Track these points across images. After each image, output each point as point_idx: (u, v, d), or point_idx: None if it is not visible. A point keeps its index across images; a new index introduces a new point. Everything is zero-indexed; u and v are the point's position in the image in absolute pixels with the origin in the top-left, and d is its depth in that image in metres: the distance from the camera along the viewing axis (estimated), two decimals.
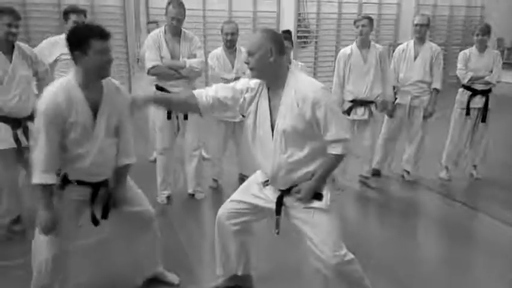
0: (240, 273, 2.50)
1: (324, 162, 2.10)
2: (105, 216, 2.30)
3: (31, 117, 3.10)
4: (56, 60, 3.54)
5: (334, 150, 2.06)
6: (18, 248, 3.07)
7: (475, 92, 4.40)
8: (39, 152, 2.04)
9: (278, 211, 2.20)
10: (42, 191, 2.10)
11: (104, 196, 2.28)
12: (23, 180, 3.33)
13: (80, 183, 2.20)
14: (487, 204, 3.97)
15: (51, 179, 2.08)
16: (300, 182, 2.13)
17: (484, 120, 4.43)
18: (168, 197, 3.88)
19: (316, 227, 2.11)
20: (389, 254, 3.05)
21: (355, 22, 4.11)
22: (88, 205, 2.27)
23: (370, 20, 4.07)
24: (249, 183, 2.36)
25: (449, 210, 3.96)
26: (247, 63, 2.07)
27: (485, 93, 4.39)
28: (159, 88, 3.68)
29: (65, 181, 2.18)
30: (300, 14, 10.78)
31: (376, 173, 4.57)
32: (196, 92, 2.23)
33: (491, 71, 4.33)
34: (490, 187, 4.41)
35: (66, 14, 3.54)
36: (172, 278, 2.67)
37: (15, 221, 3.29)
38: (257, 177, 2.33)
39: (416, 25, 4.27)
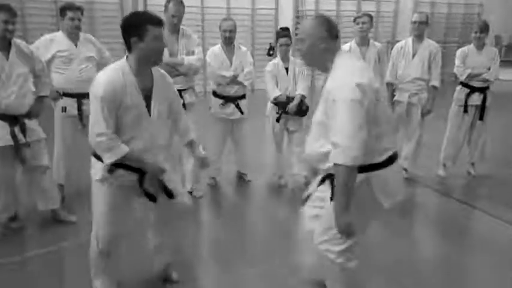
0: None
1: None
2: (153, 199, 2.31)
3: (28, 114, 3.09)
4: (52, 57, 3.52)
5: (333, 157, 1.84)
6: (15, 245, 3.07)
7: (472, 90, 4.40)
8: (103, 135, 2.07)
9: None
10: (121, 162, 2.14)
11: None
12: (20, 177, 3.32)
13: (129, 168, 2.20)
14: (485, 201, 3.98)
15: (120, 152, 2.11)
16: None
17: (481, 117, 4.44)
18: None
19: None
20: (386, 251, 3.05)
21: (355, 19, 4.11)
22: (135, 190, 2.28)
23: (370, 17, 4.07)
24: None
25: (446, 208, 3.97)
26: (298, 49, 2.05)
27: (483, 90, 4.39)
28: None
29: (115, 165, 2.18)
30: (298, 11, 10.76)
31: None
32: None
33: (489, 69, 4.33)
34: (488, 184, 4.42)
35: (62, 10, 3.53)
36: (173, 274, 2.68)
37: (12, 218, 3.28)
38: None
39: (414, 22, 4.26)
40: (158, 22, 2.09)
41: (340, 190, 1.86)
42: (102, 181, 2.23)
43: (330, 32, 1.96)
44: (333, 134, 1.84)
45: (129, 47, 2.10)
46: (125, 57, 2.16)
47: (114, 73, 2.09)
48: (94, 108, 2.08)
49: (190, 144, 2.49)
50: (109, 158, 2.11)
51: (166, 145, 2.32)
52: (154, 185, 2.26)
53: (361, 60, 3.99)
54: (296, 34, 10.50)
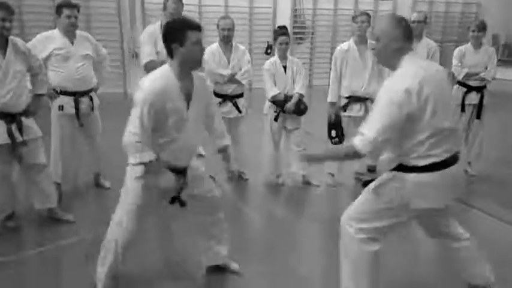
0: None
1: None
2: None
3: (25, 113, 3.08)
4: (49, 55, 3.51)
5: (355, 140, 1.99)
6: (12, 244, 3.05)
7: (470, 89, 4.41)
8: (134, 136, 2.14)
9: None
10: (145, 168, 2.19)
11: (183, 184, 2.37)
12: (16, 176, 3.31)
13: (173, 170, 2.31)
14: (481, 200, 3.98)
15: (149, 156, 2.17)
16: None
17: (479, 116, 4.45)
18: None
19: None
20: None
21: (353, 18, 4.10)
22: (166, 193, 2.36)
23: (369, 16, 4.08)
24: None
25: None
26: (373, 49, 2.14)
27: (480, 89, 4.40)
28: None
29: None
30: (296, 9, 10.75)
31: (371, 169, 4.57)
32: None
33: (487, 68, 4.34)
34: (485, 183, 4.43)
35: (59, 8, 3.51)
36: (234, 265, 2.71)
37: (9, 217, 3.26)
38: None
39: (413, 22, 4.25)
40: (197, 27, 2.18)
41: (334, 154, 2.32)
42: (139, 179, 2.28)
43: (404, 32, 2.03)
44: (364, 125, 1.98)
45: (171, 53, 2.19)
46: (168, 63, 2.24)
47: (158, 79, 2.17)
48: (135, 110, 2.15)
49: (224, 150, 2.56)
50: (134, 159, 2.17)
51: (198, 144, 2.47)
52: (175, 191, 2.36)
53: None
54: (293, 33, 10.50)
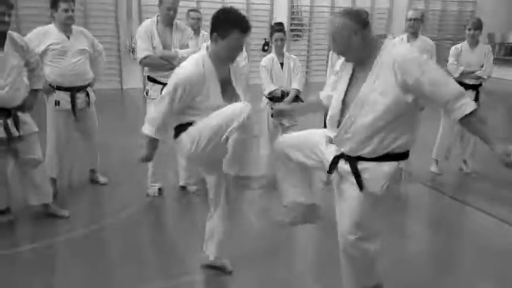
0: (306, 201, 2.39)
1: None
2: None
3: (21, 108, 3.06)
4: (45, 50, 3.48)
5: (465, 107, 1.84)
6: (6, 240, 3.05)
7: (465, 87, 4.41)
8: (158, 112, 2.25)
9: (331, 170, 2.09)
10: (150, 142, 2.35)
11: None
12: (12, 171, 3.30)
13: None
14: (477, 198, 4.01)
15: (158, 136, 2.31)
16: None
17: None
18: (160, 189, 3.86)
19: (344, 202, 2.08)
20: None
21: None
22: None
23: (366, 13, 4.07)
24: (317, 133, 2.25)
25: (438, 204, 4.00)
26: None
27: (476, 88, 4.42)
28: (150, 79, 3.65)
29: None
30: (293, 6, 10.75)
31: None
32: (322, 96, 2.32)
33: (482, 66, 4.36)
34: (480, 181, 4.45)
35: (55, 2, 3.47)
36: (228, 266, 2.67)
37: (4, 213, 3.25)
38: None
39: (410, 19, 4.26)
40: (245, 29, 2.16)
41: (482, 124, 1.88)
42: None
43: (359, 21, 1.94)
44: (441, 91, 1.81)
45: (211, 37, 2.19)
46: (205, 47, 2.27)
47: (194, 64, 2.21)
48: (167, 89, 2.23)
49: None
50: (147, 130, 2.30)
51: None
52: None
53: None
54: (290, 30, 10.49)
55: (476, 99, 4.41)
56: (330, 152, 2.09)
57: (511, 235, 3.34)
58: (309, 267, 2.87)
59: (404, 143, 1.97)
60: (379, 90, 1.87)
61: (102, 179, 4.09)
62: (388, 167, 1.96)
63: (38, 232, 3.17)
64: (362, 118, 1.91)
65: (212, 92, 2.22)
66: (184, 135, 2.27)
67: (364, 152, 1.96)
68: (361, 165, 1.98)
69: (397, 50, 1.91)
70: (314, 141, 2.18)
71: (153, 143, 2.37)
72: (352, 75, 2.03)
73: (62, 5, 3.45)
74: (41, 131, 3.35)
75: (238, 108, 2.15)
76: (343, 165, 2.03)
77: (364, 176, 1.98)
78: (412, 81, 1.81)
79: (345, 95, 2.01)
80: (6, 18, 2.89)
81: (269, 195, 4.08)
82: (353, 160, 1.99)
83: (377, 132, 1.91)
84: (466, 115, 1.81)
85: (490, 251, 3.07)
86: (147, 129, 2.31)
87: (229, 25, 2.10)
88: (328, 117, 2.12)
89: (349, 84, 2.02)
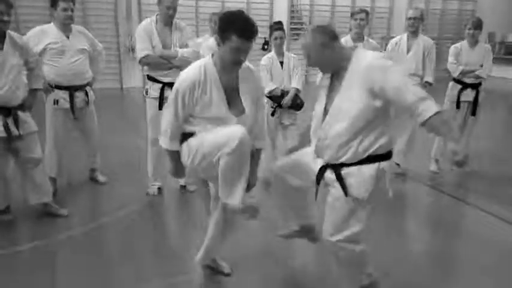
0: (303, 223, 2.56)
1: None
2: None
3: (21, 107, 3.07)
4: (44, 49, 3.48)
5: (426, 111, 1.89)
6: (6, 239, 3.05)
7: (465, 86, 4.43)
8: (167, 123, 2.19)
9: (318, 180, 2.16)
10: (170, 154, 2.31)
11: None
12: (11, 170, 3.30)
13: None
14: (476, 197, 4.01)
15: (175, 147, 2.24)
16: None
17: (473, 113, 4.47)
18: (159, 189, 3.87)
19: (327, 205, 2.15)
20: (376, 245, 3.07)
21: (352, 14, 4.10)
22: None
23: (367, 13, 4.08)
24: (308, 153, 2.29)
25: (438, 203, 4.00)
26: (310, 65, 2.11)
27: (476, 87, 4.42)
28: (150, 78, 3.65)
29: None
30: (292, 5, 10.74)
31: None
32: None
33: (482, 65, 4.36)
34: (479, 180, 4.45)
35: (54, 1, 3.47)
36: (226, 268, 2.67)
37: (4, 211, 3.26)
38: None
39: (409, 18, 4.26)
40: (243, 35, 1.97)
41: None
42: None
43: (329, 35, 2.03)
44: (403, 97, 1.86)
45: (217, 42, 2.08)
46: (211, 54, 2.16)
47: (195, 69, 2.11)
48: (170, 98, 2.18)
49: (255, 153, 2.32)
50: (163, 143, 2.26)
51: None
52: None
53: None
54: (290, 29, 10.48)
55: (476, 98, 4.42)
56: (318, 165, 2.17)
57: (510, 233, 3.34)
58: (308, 268, 2.87)
59: (384, 144, 2.03)
60: (351, 98, 1.96)
61: (101, 178, 4.10)
62: (369, 169, 2.02)
63: (38, 231, 3.17)
64: (337, 125, 2.00)
65: (215, 101, 2.11)
66: (184, 146, 2.23)
67: (345, 157, 2.03)
68: (344, 171, 2.05)
69: (365, 58, 1.98)
70: (306, 161, 2.25)
71: (173, 154, 2.29)
72: (330, 85, 2.12)
73: (61, 4, 3.45)
74: (41, 130, 3.36)
75: (232, 133, 2.05)
76: (329, 175, 2.11)
77: (348, 180, 2.04)
78: (377, 87, 1.89)
79: (326, 105, 2.11)
80: (6, 18, 2.89)
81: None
82: (337, 167, 2.06)
83: (354, 138, 1.99)
84: (427, 119, 1.84)
85: (489, 249, 3.07)
86: (163, 142, 2.26)
87: (228, 29, 1.98)
88: (312, 129, 2.21)
89: (328, 96, 2.12)
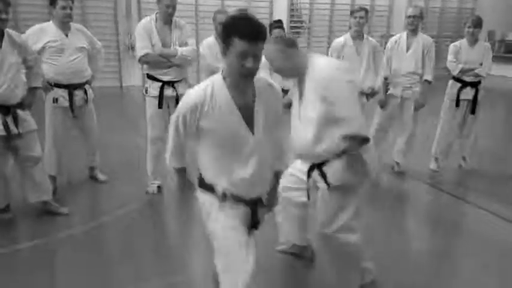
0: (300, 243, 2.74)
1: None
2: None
3: (20, 105, 3.06)
4: (43, 48, 3.48)
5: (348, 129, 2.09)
6: (6, 237, 3.05)
7: (464, 84, 4.43)
8: (170, 140, 2.00)
9: (308, 180, 2.32)
10: (175, 171, 2.21)
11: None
12: (12, 168, 3.30)
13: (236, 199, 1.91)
14: (476, 195, 4.01)
15: (176, 164, 2.12)
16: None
17: (473, 112, 4.47)
18: (159, 187, 3.86)
19: (318, 200, 2.28)
20: (377, 243, 3.07)
21: (352, 13, 4.10)
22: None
23: (367, 11, 4.08)
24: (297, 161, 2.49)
25: (438, 201, 4.00)
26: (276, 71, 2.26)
27: (475, 85, 4.42)
28: (149, 77, 3.65)
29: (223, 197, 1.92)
30: (292, 4, 10.73)
31: None
32: None
33: (482, 64, 4.35)
34: (479, 178, 4.46)
35: None
36: None
37: (4, 210, 3.26)
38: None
39: (409, 17, 4.26)
40: (247, 36, 1.66)
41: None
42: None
43: (285, 43, 2.18)
44: (339, 111, 2.03)
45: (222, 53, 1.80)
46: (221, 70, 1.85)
47: (200, 88, 1.80)
48: (172, 117, 1.90)
49: (275, 175, 2.08)
50: (167, 160, 2.07)
51: (270, 173, 2.02)
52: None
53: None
54: (290, 27, 10.48)
55: (476, 96, 4.42)
56: (305, 167, 2.32)
57: (510, 232, 3.34)
58: (307, 268, 2.87)
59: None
60: (312, 105, 2.10)
61: (101, 176, 4.10)
62: (341, 159, 2.13)
63: (37, 230, 3.17)
64: (308, 130, 2.13)
65: (226, 118, 1.79)
66: (201, 203, 1.98)
67: (323, 157, 2.17)
68: (325, 166, 2.18)
69: (319, 66, 2.12)
70: (298, 168, 2.43)
71: (179, 172, 2.21)
72: (298, 92, 2.24)
73: (60, 3, 3.44)
74: (40, 128, 3.35)
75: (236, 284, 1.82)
76: (315, 173, 2.25)
77: (327, 173, 2.18)
78: (327, 96, 2.04)
79: (298, 112, 2.23)
80: (3, 16, 2.89)
81: None
82: (319, 165, 2.20)
83: (324, 139, 2.11)
84: (347, 135, 2.02)
85: (489, 248, 3.08)
86: (167, 159, 2.08)
87: (230, 34, 1.69)
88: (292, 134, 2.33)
89: (298, 102, 2.24)
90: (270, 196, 2.08)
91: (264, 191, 2.01)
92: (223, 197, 1.89)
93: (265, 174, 1.96)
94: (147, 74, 3.68)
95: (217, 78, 1.82)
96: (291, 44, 2.17)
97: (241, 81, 1.77)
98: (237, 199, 1.90)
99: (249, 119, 1.82)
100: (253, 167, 1.85)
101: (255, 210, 1.96)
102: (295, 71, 2.19)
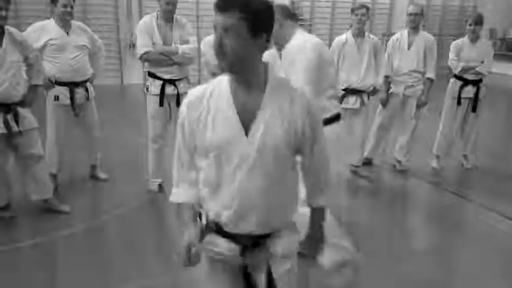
0: None
1: None
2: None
3: (21, 103, 3.06)
4: (44, 45, 3.47)
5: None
6: (7, 235, 3.06)
7: (466, 82, 4.42)
8: (175, 158, 1.52)
9: None
10: (178, 209, 1.52)
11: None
12: (12, 166, 3.30)
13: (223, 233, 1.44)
14: (477, 193, 4.01)
15: (183, 196, 1.50)
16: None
17: (474, 110, 4.47)
18: (160, 185, 3.86)
19: None
20: (378, 242, 3.08)
21: (353, 10, 4.09)
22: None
23: (368, 9, 4.07)
24: None
25: (439, 199, 4.00)
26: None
27: (476, 83, 4.41)
28: (151, 75, 3.64)
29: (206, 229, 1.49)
30: (293, 2, 10.69)
31: (368, 162, 4.59)
32: None
33: (483, 62, 4.35)
34: (480, 176, 4.46)
35: None
36: None
37: (4, 208, 3.26)
38: None
39: (410, 14, 4.25)
40: (216, 4, 1.31)
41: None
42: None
43: (282, 13, 2.50)
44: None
45: None
46: None
47: (202, 88, 1.45)
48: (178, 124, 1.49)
49: (314, 213, 1.57)
50: (172, 195, 1.54)
51: (278, 202, 1.42)
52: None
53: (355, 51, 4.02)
54: None
55: (477, 94, 4.41)
56: None
57: None
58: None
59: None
60: (284, 71, 2.51)
61: (102, 174, 4.10)
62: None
63: (38, 228, 3.17)
64: None
65: (219, 121, 1.37)
66: None
67: None
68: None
69: (297, 38, 2.53)
70: None
71: (184, 213, 1.46)
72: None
73: (61, 1, 3.44)
74: (41, 126, 3.35)
75: None
76: None
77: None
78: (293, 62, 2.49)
79: None
80: (4, 13, 2.88)
81: None
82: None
83: None
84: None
85: (491, 246, 3.07)
86: (172, 194, 1.56)
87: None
88: None
89: None
90: (307, 243, 1.58)
91: (269, 225, 1.42)
92: (206, 230, 1.45)
93: (270, 197, 1.38)
94: (148, 72, 3.68)
95: (222, 77, 1.44)
96: (287, 15, 2.41)
97: (222, 64, 1.35)
98: (222, 233, 1.42)
99: (247, 119, 1.36)
100: (243, 181, 1.34)
101: (250, 258, 1.43)
102: (282, 40, 2.51)
